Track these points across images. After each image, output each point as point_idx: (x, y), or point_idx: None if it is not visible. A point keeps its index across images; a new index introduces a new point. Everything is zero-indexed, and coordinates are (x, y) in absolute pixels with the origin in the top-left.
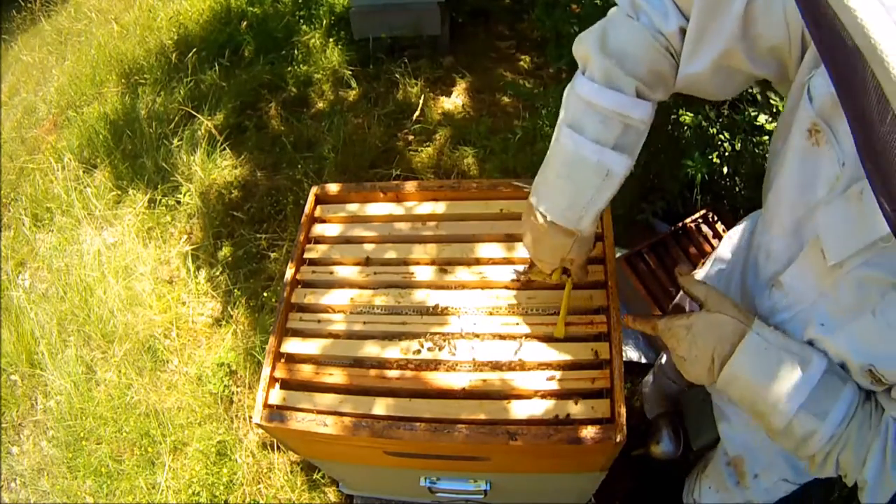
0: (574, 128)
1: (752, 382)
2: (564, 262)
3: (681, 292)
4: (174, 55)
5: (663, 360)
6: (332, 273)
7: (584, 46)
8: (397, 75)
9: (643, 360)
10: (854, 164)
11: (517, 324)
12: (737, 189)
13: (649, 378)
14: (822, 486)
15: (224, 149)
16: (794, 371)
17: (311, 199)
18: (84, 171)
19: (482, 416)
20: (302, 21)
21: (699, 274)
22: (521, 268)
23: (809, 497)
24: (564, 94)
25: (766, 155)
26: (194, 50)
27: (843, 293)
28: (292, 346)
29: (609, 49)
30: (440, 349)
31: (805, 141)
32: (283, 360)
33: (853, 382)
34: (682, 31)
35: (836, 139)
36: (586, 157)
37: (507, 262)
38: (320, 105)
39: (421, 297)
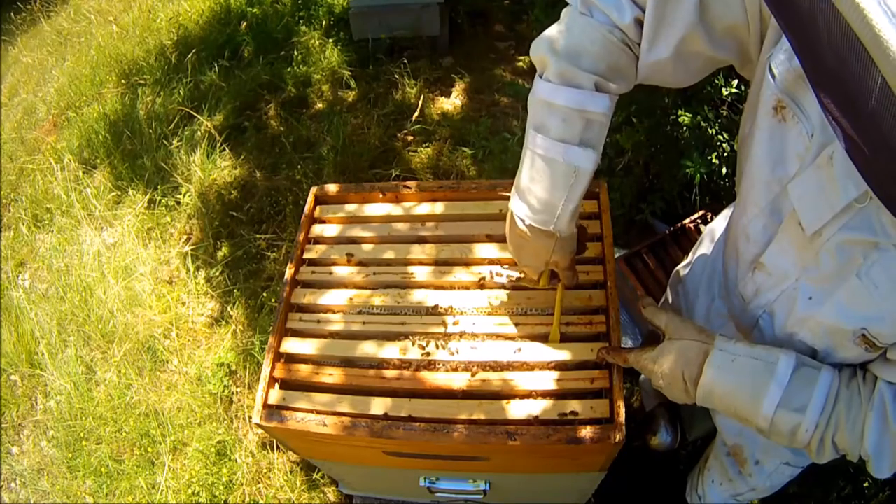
0: (539, 130)
1: (726, 395)
2: (549, 265)
3: (666, 291)
4: (174, 56)
5: None
6: (331, 273)
7: (540, 49)
8: (396, 76)
9: None
10: (822, 131)
11: (516, 324)
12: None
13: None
14: (821, 487)
15: (223, 149)
16: (763, 376)
17: (310, 199)
18: (84, 172)
19: (481, 416)
20: (301, 22)
21: (683, 269)
22: (506, 273)
23: (809, 497)
24: (528, 100)
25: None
26: (194, 50)
27: (825, 262)
28: (292, 346)
29: (564, 49)
30: (439, 349)
31: (772, 119)
32: (282, 360)
33: (829, 368)
34: (639, 22)
35: (802, 112)
36: (554, 157)
37: (496, 262)
38: (320, 105)
39: (420, 297)
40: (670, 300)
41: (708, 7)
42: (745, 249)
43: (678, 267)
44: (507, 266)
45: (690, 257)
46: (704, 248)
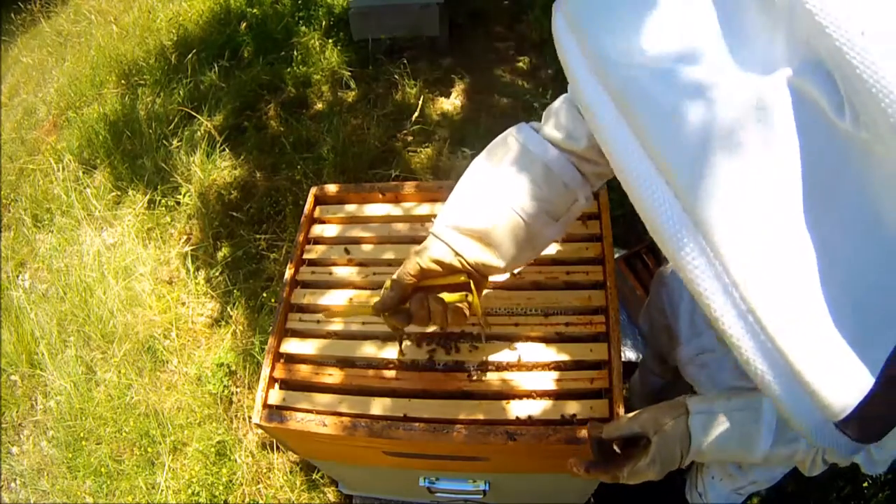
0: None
1: (716, 451)
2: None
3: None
4: (174, 56)
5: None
6: (331, 273)
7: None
8: (396, 76)
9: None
10: None
11: (516, 324)
12: None
13: (636, 375)
14: (820, 487)
15: (223, 149)
16: (750, 425)
17: (310, 199)
18: (84, 172)
19: (481, 416)
20: (301, 22)
21: (666, 269)
22: None
23: (808, 497)
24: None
25: None
26: (194, 51)
27: None
28: (291, 346)
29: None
30: (439, 349)
31: None
32: (282, 361)
33: None
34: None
35: None
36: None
37: None
38: (319, 106)
39: None
40: (655, 301)
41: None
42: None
43: (661, 268)
44: None
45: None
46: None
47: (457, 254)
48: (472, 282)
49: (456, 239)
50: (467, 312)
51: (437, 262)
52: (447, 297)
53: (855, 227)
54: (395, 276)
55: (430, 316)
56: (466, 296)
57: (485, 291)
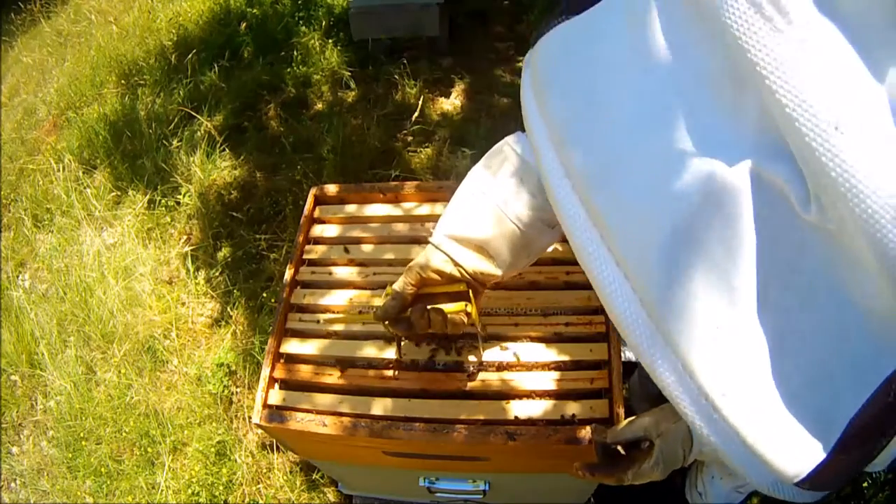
0: None
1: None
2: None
3: None
4: (174, 56)
5: None
6: (330, 274)
7: None
8: (396, 76)
9: None
10: None
11: (515, 325)
12: None
13: (636, 375)
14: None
15: (223, 150)
16: None
17: (309, 199)
18: (84, 172)
19: (481, 417)
20: (301, 22)
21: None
22: None
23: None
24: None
25: None
26: (194, 51)
27: None
28: (291, 346)
29: None
30: (439, 349)
31: None
32: (282, 361)
33: None
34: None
35: None
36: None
37: None
38: (319, 106)
39: None
40: None
41: None
42: None
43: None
44: None
45: None
46: None
47: (456, 263)
48: (470, 290)
49: (455, 249)
50: (465, 321)
51: (438, 272)
52: (447, 308)
53: (815, 309)
54: (396, 286)
55: (429, 325)
56: (466, 306)
57: (485, 291)
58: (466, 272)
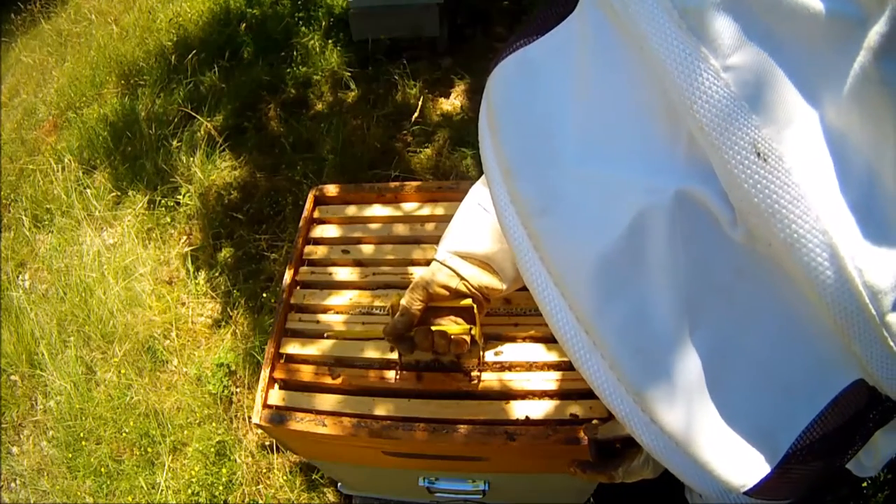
0: None
1: None
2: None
3: None
4: (173, 57)
5: None
6: (330, 274)
7: None
8: (396, 77)
9: None
10: None
11: (515, 325)
12: None
13: None
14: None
15: (223, 150)
16: None
17: (309, 200)
18: (84, 173)
19: (481, 417)
20: (301, 23)
21: None
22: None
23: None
24: None
25: None
26: (194, 51)
27: None
28: (291, 346)
29: None
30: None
31: None
32: (282, 361)
33: None
34: None
35: None
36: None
37: None
38: (319, 106)
39: None
40: None
41: None
42: None
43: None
44: None
45: None
46: None
47: (462, 279)
48: (475, 306)
49: (460, 265)
50: (468, 340)
51: (444, 287)
52: (451, 329)
53: (758, 328)
54: (403, 302)
55: (433, 347)
56: (470, 329)
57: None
58: (472, 287)
